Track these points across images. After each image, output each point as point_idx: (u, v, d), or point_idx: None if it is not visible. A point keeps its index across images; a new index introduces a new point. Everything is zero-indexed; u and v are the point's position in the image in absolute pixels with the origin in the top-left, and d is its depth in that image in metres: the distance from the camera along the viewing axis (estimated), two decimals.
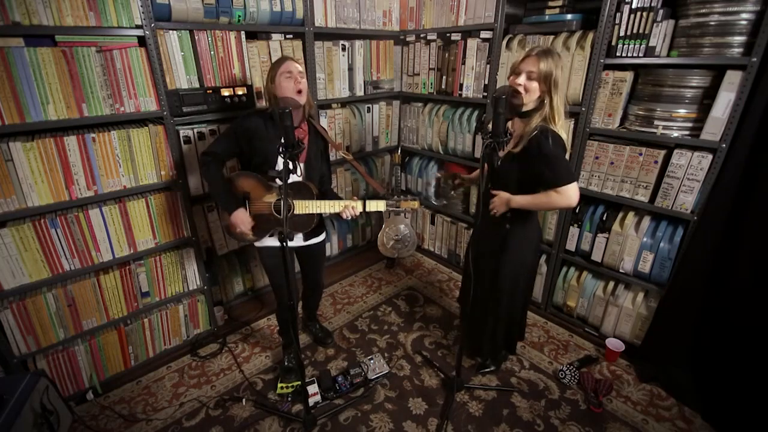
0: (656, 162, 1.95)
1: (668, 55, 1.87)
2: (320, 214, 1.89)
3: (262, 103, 2.33)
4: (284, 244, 1.46)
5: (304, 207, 1.75)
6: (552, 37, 2.23)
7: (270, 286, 2.78)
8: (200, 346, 2.35)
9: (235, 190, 1.79)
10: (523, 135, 1.60)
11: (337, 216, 1.80)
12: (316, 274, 2.18)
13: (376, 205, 1.79)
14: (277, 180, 1.79)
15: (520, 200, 1.65)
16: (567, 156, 1.86)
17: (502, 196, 1.68)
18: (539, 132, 1.55)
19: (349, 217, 1.78)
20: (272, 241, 1.88)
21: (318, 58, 2.52)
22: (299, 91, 1.73)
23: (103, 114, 1.80)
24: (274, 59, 2.30)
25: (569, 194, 1.54)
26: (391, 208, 1.81)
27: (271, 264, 1.94)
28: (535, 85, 1.54)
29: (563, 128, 1.59)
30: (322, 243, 2.09)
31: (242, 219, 1.75)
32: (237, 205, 1.76)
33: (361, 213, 1.81)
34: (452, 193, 2.10)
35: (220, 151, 1.78)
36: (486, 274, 1.87)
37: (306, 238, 1.97)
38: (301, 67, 1.77)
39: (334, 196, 1.95)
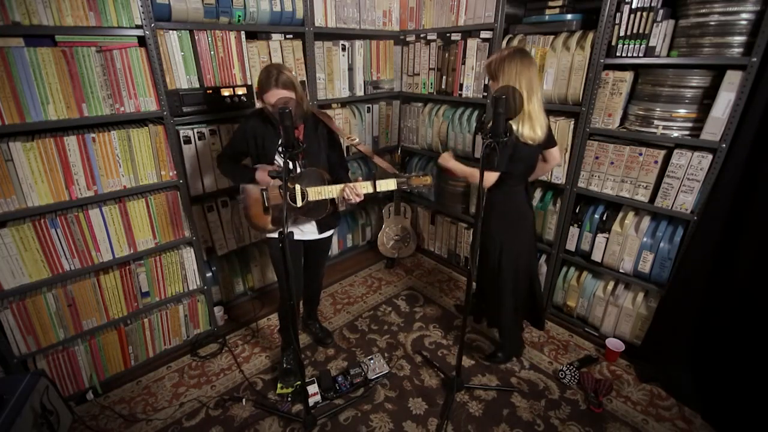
0: (656, 162, 1.95)
1: (668, 55, 1.87)
2: (335, 205, 1.89)
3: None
4: (283, 242, 1.46)
5: (317, 193, 1.75)
6: (552, 37, 2.23)
7: (271, 285, 2.83)
8: (200, 346, 2.35)
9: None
10: None
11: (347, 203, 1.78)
12: (319, 266, 2.21)
13: (387, 185, 1.77)
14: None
15: (455, 166, 1.95)
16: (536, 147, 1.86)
17: (446, 156, 1.99)
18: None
19: (352, 200, 1.73)
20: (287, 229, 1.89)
21: (318, 58, 2.52)
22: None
23: (103, 114, 1.80)
24: (274, 59, 2.31)
25: (486, 177, 1.74)
26: (402, 186, 1.79)
27: (280, 253, 1.93)
28: (494, 85, 1.76)
29: (523, 120, 1.72)
30: (331, 236, 2.12)
31: (264, 175, 1.76)
32: (254, 170, 1.80)
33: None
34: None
35: (232, 153, 1.89)
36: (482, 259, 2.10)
37: (321, 231, 1.97)
38: (285, 92, 1.66)
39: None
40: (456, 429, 1.85)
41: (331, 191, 1.76)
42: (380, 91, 2.97)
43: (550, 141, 1.91)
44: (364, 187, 1.75)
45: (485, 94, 2.57)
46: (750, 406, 1.74)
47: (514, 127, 1.71)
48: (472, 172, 1.90)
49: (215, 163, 1.89)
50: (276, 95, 1.66)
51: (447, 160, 1.99)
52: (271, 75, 1.66)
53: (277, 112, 1.43)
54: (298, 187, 1.72)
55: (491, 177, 1.79)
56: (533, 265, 2.15)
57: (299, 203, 1.74)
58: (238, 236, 2.51)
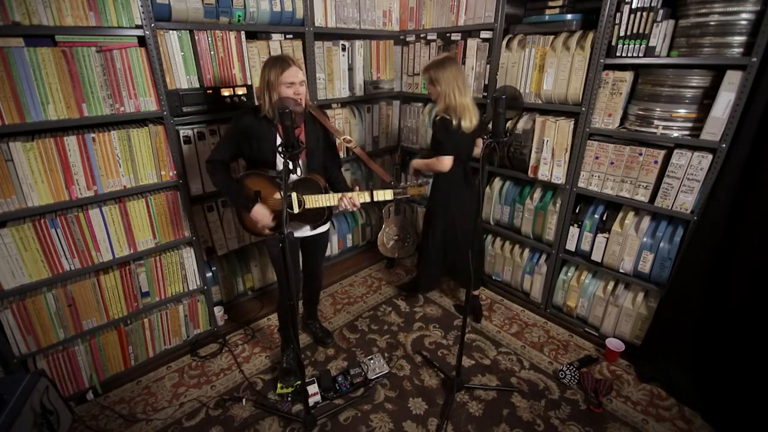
0: (656, 162, 1.95)
1: (668, 55, 1.87)
2: (330, 209, 1.90)
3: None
4: (284, 244, 1.46)
5: (314, 201, 1.77)
6: (552, 37, 2.23)
7: (271, 285, 2.83)
8: (200, 346, 2.35)
9: (246, 191, 1.81)
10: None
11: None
12: (317, 263, 2.21)
13: (384, 195, 1.80)
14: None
15: (417, 163, 2.31)
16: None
17: (413, 162, 2.37)
18: (436, 116, 2.17)
19: (349, 208, 1.77)
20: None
21: (318, 58, 2.52)
22: (296, 102, 1.71)
23: (103, 114, 1.80)
24: None
25: (443, 162, 2.14)
26: (398, 197, 1.82)
27: (279, 252, 1.93)
28: (432, 88, 2.14)
29: (462, 114, 2.09)
30: (327, 233, 2.13)
31: (262, 214, 1.77)
32: (252, 202, 1.78)
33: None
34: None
35: (223, 156, 1.83)
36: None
37: (313, 228, 1.98)
38: (302, 74, 1.73)
39: (344, 184, 1.96)
40: (456, 429, 1.85)
41: (328, 200, 1.77)
42: (380, 91, 2.97)
43: (482, 130, 2.23)
44: (362, 197, 1.79)
45: (485, 94, 2.57)
46: (750, 406, 1.74)
47: (454, 120, 2.08)
48: (428, 162, 2.23)
49: (206, 169, 1.85)
50: (297, 74, 1.69)
51: (416, 163, 2.34)
52: (285, 57, 1.70)
53: (278, 110, 1.43)
54: (294, 195, 1.73)
55: (448, 161, 2.14)
56: (465, 235, 2.37)
57: (296, 210, 1.75)
58: (238, 236, 2.51)
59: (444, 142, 2.13)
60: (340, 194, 1.78)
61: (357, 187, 1.82)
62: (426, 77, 2.16)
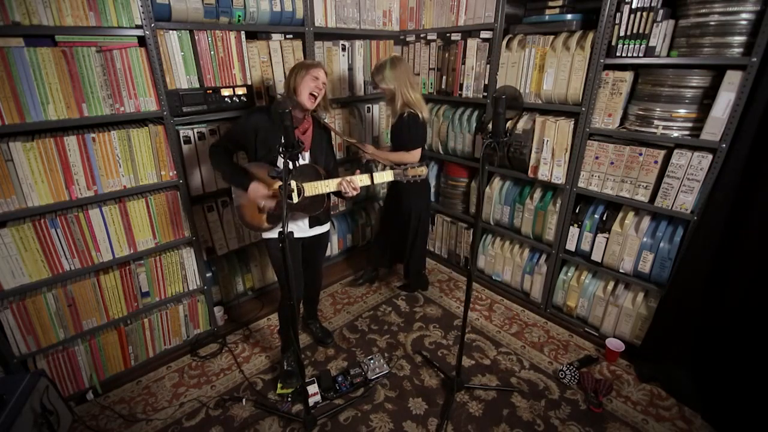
0: (656, 162, 1.95)
1: (668, 55, 1.87)
2: (329, 202, 1.90)
3: (262, 103, 2.33)
4: (283, 242, 1.46)
5: (313, 188, 1.77)
6: (552, 37, 2.23)
7: (271, 285, 2.83)
8: (200, 346, 2.35)
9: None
10: (395, 113, 2.32)
11: (339, 195, 1.82)
12: (317, 264, 2.21)
13: (384, 176, 1.83)
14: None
15: (388, 156, 2.38)
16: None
17: (369, 148, 2.42)
18: (402, 112, 2.26)
19: (350, 193, 1.78)
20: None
21: (318, 58, 2.52)
22: (312, 95, 1.79)
23: (103, 114, 1.80)
24: (274, 59, 2.32)
25: (414, 155, 2.29)
26: (398, 177, 1.84)
27: (279, 256, 1.93)
28: (386, 88, 2.26)
29: (421, 108, 2.26)
30: (328, 232, 2.13)
31: (260, 191, 1.75)
32: (251, 180, 1.76)
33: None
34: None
35: (229, 144, 1.87)
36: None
37: (311, 226, 1.98)
38: (326, 78, 1.85)
39: None
40: (456, 429, 1.85)
41: (327, 186, 1.77)
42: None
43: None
44: (362, 180, 1.79)
45: (485, 94, 2.57)
46: (750, 406, 1.74)
47: (419, 113, 2.22)
48: (400, 157, 2.32)
49: (208, 152, 1.87)
50: (322, 74, 1.81)
51: (385, 156, 2.40)
52: (314, 61, 1.88)
53: (276, 111, 1.44)
54: (294, 183, 1.72)
55: (419, 153, 2.30)
56: (427, 220, 2.67)
57: (295, 199, 1.75)
58: (238, 236, 2.51)
59: (415, 136, 2.26)
60: (339, 179, 1.77)
61: (357, 171, 1.82)
62: (378, 79, 2.25)
